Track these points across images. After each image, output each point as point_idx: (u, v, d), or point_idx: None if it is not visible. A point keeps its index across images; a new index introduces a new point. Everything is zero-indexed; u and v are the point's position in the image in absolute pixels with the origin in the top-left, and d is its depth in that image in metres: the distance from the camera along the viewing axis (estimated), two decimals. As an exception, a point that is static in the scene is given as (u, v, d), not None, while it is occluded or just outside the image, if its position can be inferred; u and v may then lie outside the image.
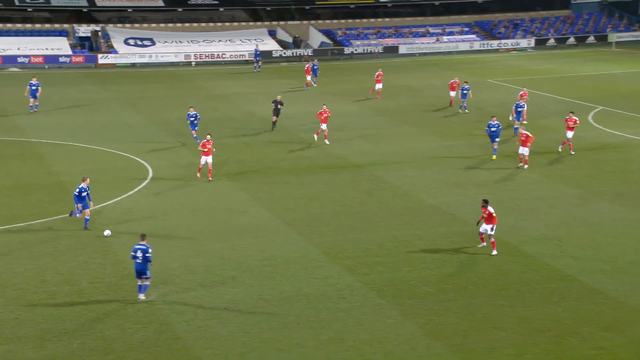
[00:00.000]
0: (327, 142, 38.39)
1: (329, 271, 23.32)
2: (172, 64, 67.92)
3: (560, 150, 36.46)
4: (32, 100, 46.10)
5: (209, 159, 32.39)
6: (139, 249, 21.31)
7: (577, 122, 36.41)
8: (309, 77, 55.54)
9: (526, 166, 33.66)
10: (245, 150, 37.58)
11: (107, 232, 26.18)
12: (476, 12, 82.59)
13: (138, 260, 21.23)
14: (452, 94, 47.90)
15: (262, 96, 52.68)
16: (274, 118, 41.35)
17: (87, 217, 26.73)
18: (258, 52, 64.91)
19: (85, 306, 20.93)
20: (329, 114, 38.68)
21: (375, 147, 38.26)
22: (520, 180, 32.47)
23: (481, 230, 24.72)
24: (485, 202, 24.66)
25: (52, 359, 18.37)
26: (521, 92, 43.33)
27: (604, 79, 59.08)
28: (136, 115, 46.56)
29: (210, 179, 32.43)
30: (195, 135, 38.37)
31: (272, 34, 75.49)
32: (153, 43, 70.81)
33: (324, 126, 38.56)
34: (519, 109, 40.18)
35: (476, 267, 23.57)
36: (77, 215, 26.85)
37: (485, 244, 24.66)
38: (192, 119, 38.97)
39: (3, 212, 28.74)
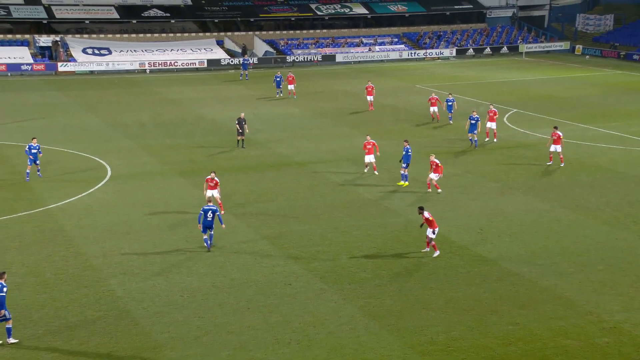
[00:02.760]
0: (377, 173, 32.68)
1: (276, 260, 23.18)
2: (128, 72, 66.57)
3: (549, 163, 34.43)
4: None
5: (215, 192, 27.61)
6: None
7: (561, 137, 34.04)
8: (291, 87, 53.06)
9: (439, 190, 30.24)
10: (197, 150, 37.09)
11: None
12: (404, 25, 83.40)
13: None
14: (434, 109, 44.01)
15: (212, 100, 52.16)
16: (240, 137, 37.21)
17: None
18: (247, 61, 64.90)
19: (49, 296, 20.32)
20: (375, 144, 32.74)
21: (317, 146, 38.23)
22: (445, 176, 32.79)
23: (427, 234, 23.35)
24: (421, 209, 23.40)
25: (18, 345, 17.75)
26: (430, 97, 43.71)
27: (516, 84, 60.29)
28: (95, 119, 45.47)
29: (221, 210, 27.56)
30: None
31: (220, 43, 74.72)
32: (110, 52, 69.26)
33: (369, 158, 32.68)
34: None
35: (408, 254, 23.73)
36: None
37: (428, 249, 23.53)
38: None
39: (-31, 210, 27.69)
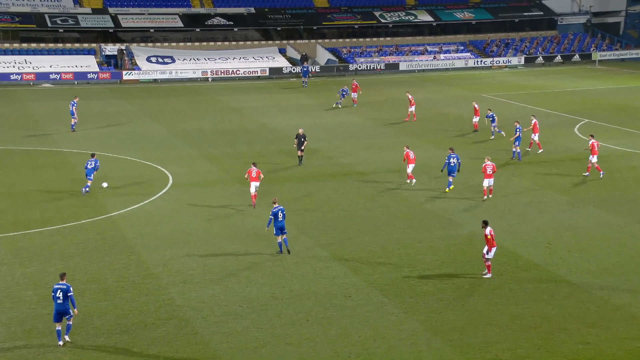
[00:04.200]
0: (409, 182, 33.01)
1: (336, 271, 23.22)
2: (190, 80, 68.00)
3: (586, 174, 34.03)
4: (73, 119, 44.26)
5: (257, 184, 29.55)
6: (59, 288, 18.69)
7: (598, 144, 34.08)
8: (354, 95, 53.64)
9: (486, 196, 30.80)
10: (258, 159, 37.39)
11: (104, 184, 30.32)
12: (470, 33, 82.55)
13: (59, 301, 18.54)
14: (476, 119, 44.04)
15: (273, 109, 52.72)
16: (299, 152, 36.01)
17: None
18: (306, 68, 65.95)
19: (111, 303, 20.88)
20: (413, 156, 33.06)
21: (378, 156, 38.17)
22: (512, 188, 32.31)
23: (484, 252, 22.61)
24: (485, 224, 22.66)
25: (80, 353, 18.30)
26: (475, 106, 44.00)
27: (588, 94, 58.87)
28: (157, 127, 46.58)
29: (254, 203, 29.58)
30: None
31: (282, 52, 75.54)
32: (173, 60, 70.90)
33: (410, 168, 33.07)
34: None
35: (472, 267, 23.41)
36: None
37: (490, 274, 22.64)
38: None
39: (36, 215, 28.74)
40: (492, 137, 42.18)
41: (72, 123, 44.74)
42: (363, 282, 22.30)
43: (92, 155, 32.47)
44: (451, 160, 31.60)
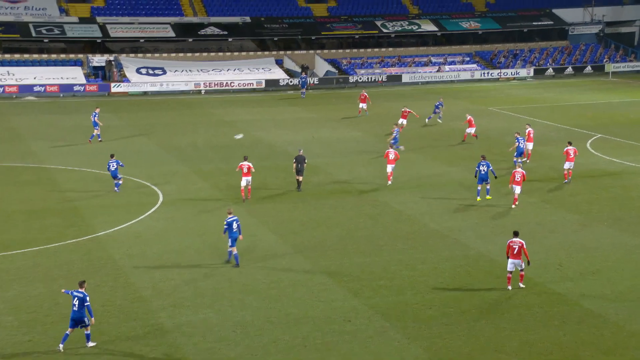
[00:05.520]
0: (390, 183, 35.71)
1: (335, 294, 23.20)
2: (182, 92, 68.25)
3: (566, 182, 35.82)
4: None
5: (249, 179, 33.09)
6: (76, 296, 19.67)
7: (576, 151, 36.27)
8: (363, 105, 55.03)
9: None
10: (253, 175, 37.52)
11: (238, 136, 32.66)
12: (477, 43, 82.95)
13: (75, 308, 19.55)
14: (470, 130, 45.55)
15: (269, 123, 52.87)
16: (299, 177, 35.00)
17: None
18: (304, 79, 66.76)
19: (97, 328, 20.81)
20: (393, 156, 35.68)
21: (379, 173, 38.24)
22: (521, 206, 32.35)
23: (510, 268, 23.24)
24: (516, 234, 23.44)
25: (63, 380, 18.24)
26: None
27: (601, 107, 59.10)
28: (147, 142, 46.68)
29: (248, 197, 33.10)
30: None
31: (279, 63, 75.89)
32: (164, 72, 71.20)
33: (389, 168, 35.87)
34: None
35: (479, 290, 23.40)
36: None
37: (522, 284, 23.35)
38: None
39: (18, 236, 28.73)
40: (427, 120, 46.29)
41: (96, 134, 45.87)
42: (363, 306, 22.27)
43: (112, 156, 34.68)
44: (481, 167, 32.79)
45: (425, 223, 30.30)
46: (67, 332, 19.56)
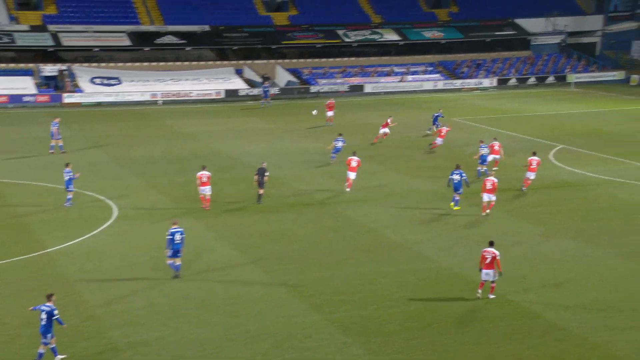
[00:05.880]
0: (349, 190, 36.74)
1: (295, 309, 23.16)
2: (138, 103, 67.75)
3: (524, 189, 36.89)
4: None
5: (208, 189, 33.66)
6: (44, 310, 19.82)
7: (539, 162, 37.28)
8: (330, 113, 56.13)
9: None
10: (211, 186, 37.38)
11: (314, 112, 32.89)
12: (440, 53, 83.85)
13: (43, 323, 19.67)
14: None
15: (229, 134, 52.74)
16: (260, 190, 34.81)
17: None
18: (267, 88, 67.12)
19: (48, 349, 20.43)
20: (355, 163, 36.82)
21: (341, 184, 38.36)
22: (481, 218, 32.70)
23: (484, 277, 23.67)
24: (490, 244, 23.84)
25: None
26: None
27: (564, 118, 60.15)
28: (101, 154, 46.20)
29: (207, 206, 33.53)
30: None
31: (239, 72, 75.84)
32: (119, 82, 70.62)
33: (351, 175, 36.83)
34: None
35: (441, 304, 23.57)
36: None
37: (493, 295, 23.81)
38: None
39: (-37, 252, 28.14)
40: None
41: (57, 144, 45.57)
42: (324, 321, 22.27)
43: (67, 165, 34.35)
44: (454, 176, 33.42)
45: (387, 235, 30.45)
46: (40, 350, 19.54)
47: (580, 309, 23.19)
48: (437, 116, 52.65)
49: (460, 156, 44.75)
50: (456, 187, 33.47)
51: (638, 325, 21.90)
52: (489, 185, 32.59)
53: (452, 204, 33.72)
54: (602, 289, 24.80)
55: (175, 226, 25.63)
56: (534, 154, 37.52)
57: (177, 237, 25.32)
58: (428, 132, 51.26)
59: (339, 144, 43.18)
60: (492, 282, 23.81)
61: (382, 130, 49.83)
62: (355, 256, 27.98)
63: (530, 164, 36.77)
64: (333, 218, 32.84)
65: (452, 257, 27.82)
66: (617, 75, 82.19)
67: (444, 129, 47.30)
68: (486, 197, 32.59)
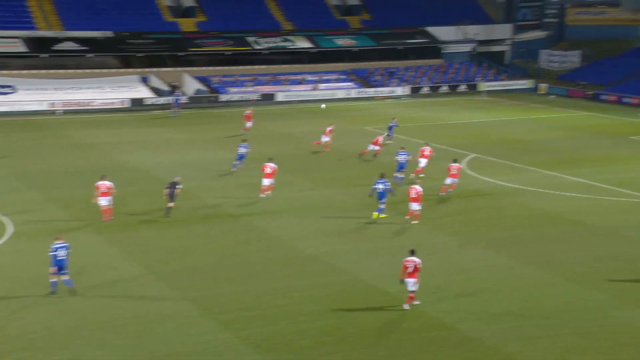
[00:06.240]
0: (263, 196, 37.66)
1: (204, 327, 22.86)
2: (35, 113, 65.72)
3: (442, 194, 38.08)
4: None
5: (106, 200, 33.20)
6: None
7: (459, 168, 38.78)
8: (249, 123, 56.00)
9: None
10: (115, 201, 36.57)
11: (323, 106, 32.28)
12: (353, 60, 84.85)
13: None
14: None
15: (134, 145, 51.81)
16: (170, 204, 34.46)
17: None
18: (177, 96, 66.51)
19: None
20: (271, 170, 37.87)
21: (252, 196, 38.21)
22: (398, 228, 33.18)
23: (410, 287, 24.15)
24: (411, 253, 24.38)
25: None
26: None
27: (476, 126, 61.77)
28: (-4, 167, 44.56)
29: (107, 218, 33.19)
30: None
31: (145, 80, 74.66)
32: (14, 90, 68.34)
33: (266, 181, 37.86)
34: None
35: (356, 317, 23.72)
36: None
37: (408, 305, 24.29)
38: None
39: None
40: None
41: None
42: (235, 338, 22.06)
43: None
44: (379, 185, 33.84)
45: (301, 248, 30.48)
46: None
47: (493, 319, 23.75)
48: (392, 126, 53.43)
49: (376, 165, 45.32)
50: (380, 196, 33.98)
51: (549, 335, 22.59)
52: (413, 194, 33.27)
53: (375, 213, 34.08)
54: (514, 298, 25.48)
55: (58, 241, 25.05)
56: (455, 160, 38.89)
57: (62, 252, 24.81)
58: (389, 142, 51.87)
59: (242, 150, 43.33)
60: (412, 292, 24.15)
61: (324, 139, 50.02)
62: (268, 270, 27.86)
63: (450, 170, 38.04)
64: (245, 231, 32.65)
65: (367, 269, 28.07)
66: (526, 83, 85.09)
67: (380, 138, 47.92)
68: (414, 206, 33.33)
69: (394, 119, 54.81)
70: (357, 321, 23.42)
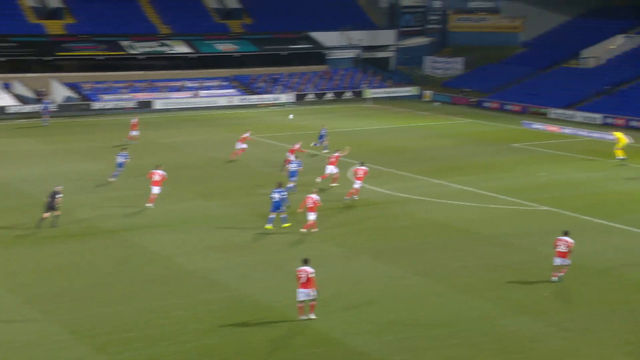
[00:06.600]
0: (150, 205, 37.86)
1: (76, 352, 22.18)
2: None
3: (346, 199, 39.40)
4: None
5: None
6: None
7: (367, 172, 39.90)
8: (135, 132, 55.16)
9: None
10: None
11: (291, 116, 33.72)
12: (234, 66, 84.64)
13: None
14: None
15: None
16: (47, 214, 33.81)
17: None
18: (46, 105, 64.54)
19: None
20: (159, 177, 38.26)
21: (129, 210, 37.44)
22: (284, 240, 33.29)
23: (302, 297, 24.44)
24: (304, 262, 24.76)
25: None
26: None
27: (362, 134, 62.80)
28: None
29: None
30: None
31: (8, 87, 71.86)
32: None
33: (155, 189, 38.10)
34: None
35: (241, 335, 23.60)
36: None
37: (309, 315, 24.57)
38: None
39: None
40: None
41: None
42: (111, 363, 21.52)
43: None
44: (275, 195, 34.04)
45: (182, 264, 30.08)
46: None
47: (380, 331, 24.15)
48: (323, 134, 53.84)
49: (258, 175, 45.37)
50: (276, 206, 34.25)
51: (437, 345, 23.19)
52: (309, 203, 33.64)
53: (270, 226, 34.27)
54: (402, 309, 26.01)
55: None
56: (362, 163, 40.06)
57: None
58: (325, 151, 51.81)
59: (121, 160, 42.91)
60: (312, 301, 24.37)
61: (239, 145, 49.61)
62: (146, 289, 27.35)
63: (356, 173, 39.30)
64: (122, 247, 31.93)
65: (252, 284, 28.00)
66: (411, 90, 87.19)
67: (297, 146, 47.66)
68: (311, 216, 33.82)
69: (323, 127, 55.45)
70: (243, 339, 23.32)
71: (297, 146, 46.89)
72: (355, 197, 39.58)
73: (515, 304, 26.54)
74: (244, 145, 50.31)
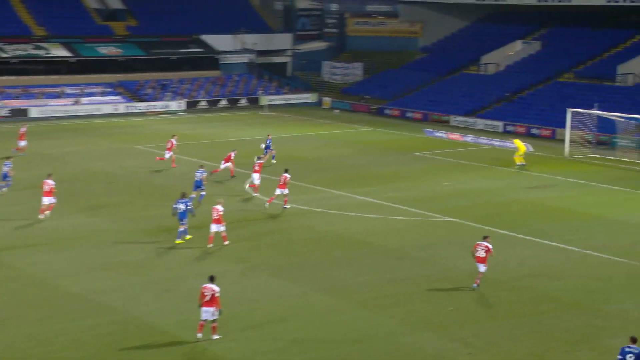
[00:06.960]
0: (42, 216, 37.54)
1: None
2: None
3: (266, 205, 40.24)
4: None
5: None
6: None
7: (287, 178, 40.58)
8: (23, 143, 53.98)
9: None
10: None
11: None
12: (119, 72, 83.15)
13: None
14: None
15: None
16: None
17: None
18: None
19: None
20: (49, 187, 37.97)
21: (5, 228, 36.08)
22: (179, 258, 32.79)
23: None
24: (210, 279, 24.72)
25: None
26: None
27: (259, 143, 62.60)
28: None
29: None
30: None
31: None
32: None
33: (45, 200, 37.82)
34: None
35: (130, 362, 23.09)
36: None
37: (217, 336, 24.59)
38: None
39: None
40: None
41: None
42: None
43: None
44: (179, 206, 33.95)
45: (63, 287, 29.19)
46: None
47: (279, 353, 24.04)
48: (269, 144, 53.96)
49: (148, 188, 44.59)
50: (181, 217, 34.13)
51: (342, 364, 23.28)
52: (215, 215, 33.71)
53: (180, 240, 34.28)
54: (302, 328, 25.98)
55: None
56: (286, 170, 40.96)
57: None
58: (273, 161, 51.43)
59: (6, 169, 42.41)
60: (213, 321, 24.13)
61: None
62: (22, 314, 26.41)
63: (281, 180, 40.37)
64: (-5, 269, 30.74)
65: (141, 306, 27.43)
66: (310, 97, 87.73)
67: (232, 154, 47.97)
68: (214, 227, 33.80)
69: (269, 135, 55.46)
70: (130, 366, 22.78)
71: (232, 154, 47.79)
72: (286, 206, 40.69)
73: (420, 320, 26.92)
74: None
